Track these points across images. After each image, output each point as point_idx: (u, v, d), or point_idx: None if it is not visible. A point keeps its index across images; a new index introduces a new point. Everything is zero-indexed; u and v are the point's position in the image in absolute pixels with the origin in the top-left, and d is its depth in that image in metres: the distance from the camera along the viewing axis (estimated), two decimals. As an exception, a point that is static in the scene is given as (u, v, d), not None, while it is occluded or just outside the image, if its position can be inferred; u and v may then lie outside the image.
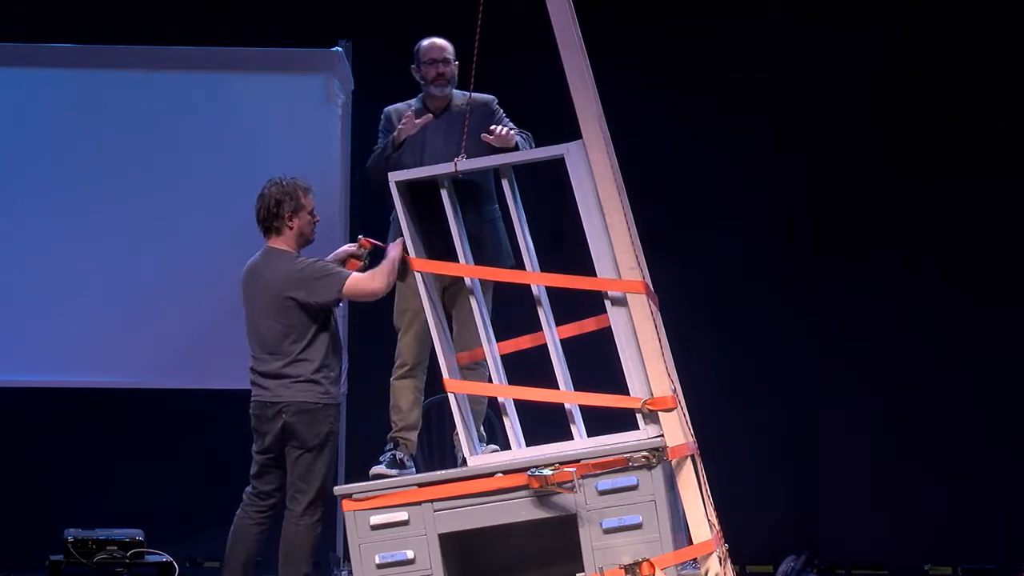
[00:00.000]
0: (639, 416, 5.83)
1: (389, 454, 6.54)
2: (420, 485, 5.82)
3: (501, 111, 6.75)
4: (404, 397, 6.70)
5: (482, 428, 6.66)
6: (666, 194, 9.38)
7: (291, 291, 6.86)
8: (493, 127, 6.48)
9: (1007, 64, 9.75)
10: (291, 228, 7.00)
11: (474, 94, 6.57)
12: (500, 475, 5.78)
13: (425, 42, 6.76)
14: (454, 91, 6.76)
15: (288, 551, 6.85)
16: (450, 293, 6.66)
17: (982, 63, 9.75)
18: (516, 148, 6.47)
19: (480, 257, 6.48)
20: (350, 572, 6.01)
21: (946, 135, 9.70)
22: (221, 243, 9.12)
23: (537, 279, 6.19)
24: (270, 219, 7.02)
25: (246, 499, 7.03)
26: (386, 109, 6.85)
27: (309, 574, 6.90)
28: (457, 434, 6.42)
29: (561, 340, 6.28)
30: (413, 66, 6.78)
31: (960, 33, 9.75)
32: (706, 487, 5.86)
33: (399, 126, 6.61)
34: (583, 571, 5.70)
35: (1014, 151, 9.70)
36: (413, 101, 6.82)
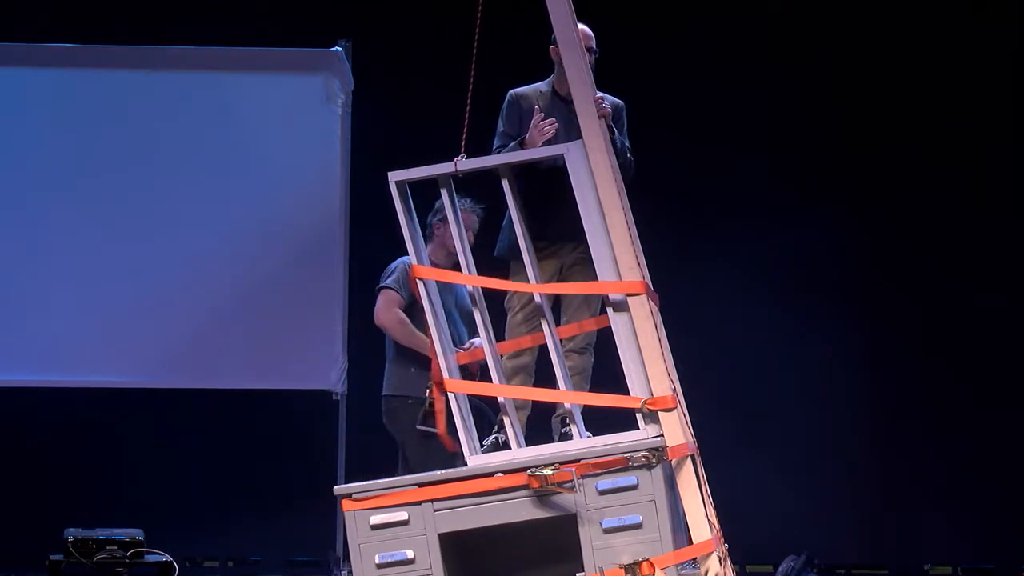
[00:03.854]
0: (639, 416, 5.83)
1: (492, 438, 6.35)
2: (420, 485, 5.81)
3: (625, 119, 6.60)
4: (511, 380, 6.47)
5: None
6: (665, 194, 9.38)
7: None
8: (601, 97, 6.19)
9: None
10: (436, 235, 7.28)
11: (609, 96, 6.40)
12: (500, 475, 5.77)
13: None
14: None
15: None
16: (567, 276, 6.52)
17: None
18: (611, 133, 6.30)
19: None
20: (350, 572, 6.00)
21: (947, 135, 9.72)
22: (221, 243, 9.12)
23: (537, 288, 6.15)
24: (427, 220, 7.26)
25: None
26: (511, 92, 6.55)
27: None
28: (559, 416, 6.36)
29: (561, 340, 6.27)
30: (554, 47, 6.38)
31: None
32: (706, 487, 5.85)
33: (533, 131, 6.28)
34: (583, 571, 5.70)
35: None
36: (541, 85, 6.59)
